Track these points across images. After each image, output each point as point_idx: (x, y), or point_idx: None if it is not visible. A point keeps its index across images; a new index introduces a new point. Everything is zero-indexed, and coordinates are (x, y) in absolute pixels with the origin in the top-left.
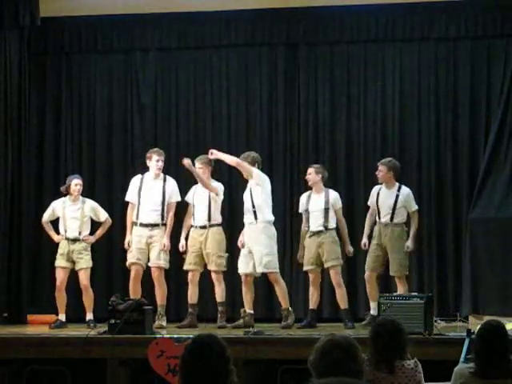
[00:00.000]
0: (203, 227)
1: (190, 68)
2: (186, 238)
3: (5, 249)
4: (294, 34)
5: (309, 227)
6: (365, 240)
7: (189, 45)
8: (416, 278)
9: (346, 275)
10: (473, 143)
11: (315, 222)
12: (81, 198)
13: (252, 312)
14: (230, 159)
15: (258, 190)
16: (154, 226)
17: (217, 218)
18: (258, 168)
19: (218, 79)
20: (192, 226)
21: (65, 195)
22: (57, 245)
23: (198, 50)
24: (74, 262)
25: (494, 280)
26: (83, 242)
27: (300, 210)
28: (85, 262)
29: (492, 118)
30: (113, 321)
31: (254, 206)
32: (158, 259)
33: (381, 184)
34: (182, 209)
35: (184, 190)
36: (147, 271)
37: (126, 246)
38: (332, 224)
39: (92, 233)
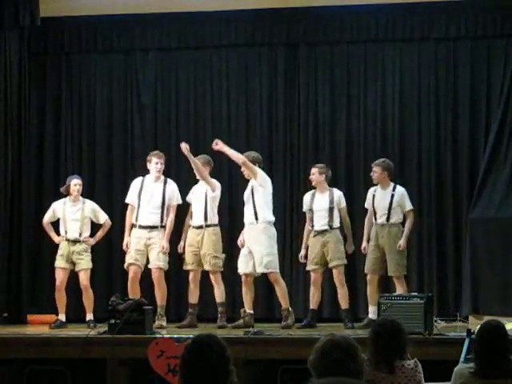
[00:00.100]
0: (200, 227)
1: (190, 68)
2: (186, 239)
3: (5, 249)
4: (293, 33)
5: (313, 226)
6: (364, 244)
7: (189, 45)
8: (416, 278)
9: (345, 275)
10: (473, 143)
11: (320, 222)
12: (81, 198)
13: (252, 312)
14: (236, 156)
15: (261, 190)
16: (152, 228)
17: (213, 217)
18: (259, 168)
19: (218, 79)
20: (190, 226)
21: (65, 196)
22: (57, 245)
23: (198, 50)
24: (73, 263)
25: (494, 280)
26: (83, 243)
27: (304, 209)
28: (85, 263)
29: (492, 118)
30: (113, 321)
31: (255, 207)
32: (158, 260)
33: (376, 185)
34: (184, 210)
35: (184, 191)
36: (147, 272)
37: (124, 247)
38: (336, 223)
39: (92, 233)
